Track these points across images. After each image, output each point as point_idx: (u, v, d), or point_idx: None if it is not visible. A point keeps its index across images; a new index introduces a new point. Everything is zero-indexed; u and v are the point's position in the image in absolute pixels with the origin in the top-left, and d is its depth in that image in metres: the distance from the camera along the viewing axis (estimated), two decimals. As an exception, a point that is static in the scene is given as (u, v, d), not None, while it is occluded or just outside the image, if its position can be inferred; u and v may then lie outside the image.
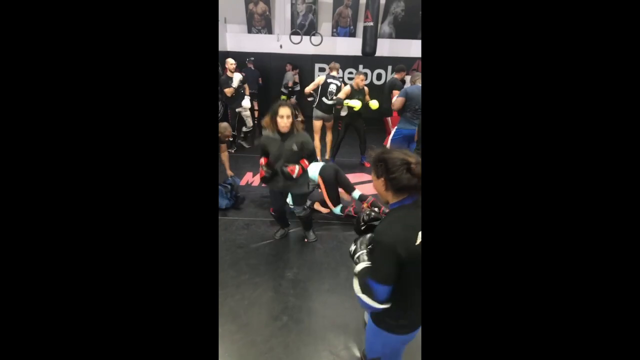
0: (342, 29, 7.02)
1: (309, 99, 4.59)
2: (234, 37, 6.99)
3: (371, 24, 5.73)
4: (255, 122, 6.14)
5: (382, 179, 1.04)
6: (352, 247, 1.15)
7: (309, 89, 4.15)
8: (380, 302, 1.01)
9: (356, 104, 3.89)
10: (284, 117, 2.21)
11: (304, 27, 6.93)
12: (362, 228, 1.23)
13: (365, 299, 1.02)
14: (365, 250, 1.10)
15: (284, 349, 1.80)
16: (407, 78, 4.97)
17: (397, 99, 3.57)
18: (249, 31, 7.04)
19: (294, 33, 6.37)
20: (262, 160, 2.40)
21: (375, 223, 1.21)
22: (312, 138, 3.47)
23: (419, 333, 1.18)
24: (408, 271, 1.00)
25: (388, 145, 3.73)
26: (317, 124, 4.34)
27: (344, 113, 4.25)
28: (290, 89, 6.37)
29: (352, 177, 4.09)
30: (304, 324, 1.98)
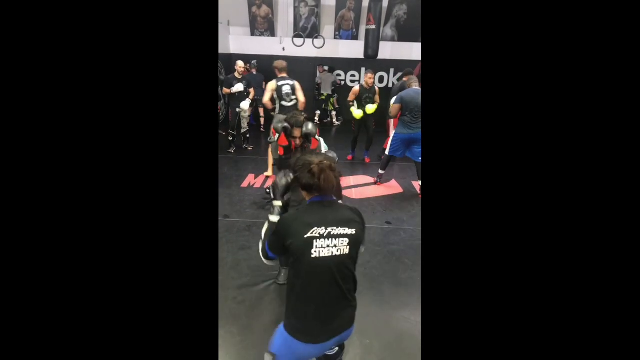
0: (345, 31, 7.04)
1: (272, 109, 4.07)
2: (237, 40, 7.02)
3: (373, 27, 5.74)
4: (262, 129, 6.18)
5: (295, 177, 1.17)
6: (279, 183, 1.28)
7: (266, 99, 3.83)
8: (264, 257, 1.22)
9: (358, 113, 4.24)
10: (298, 138, 2.14)
11: (307, 29, 6.95)
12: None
13: (260, 247, 1.23)
14: (278, 207, 1.27)
15: (285, 351, 1.80)
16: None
17: (393, 106, 3.55)
18: (252, 34, 7.07)
19: (296, 36, 6.39)
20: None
21: None
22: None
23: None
24: (299, 272, 1.07)
25: (387, 148, 3.73)
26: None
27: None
28: (337, 86, 6.74)
29: (354, 180, 4.10)
30: (305, 326, 1.97)
